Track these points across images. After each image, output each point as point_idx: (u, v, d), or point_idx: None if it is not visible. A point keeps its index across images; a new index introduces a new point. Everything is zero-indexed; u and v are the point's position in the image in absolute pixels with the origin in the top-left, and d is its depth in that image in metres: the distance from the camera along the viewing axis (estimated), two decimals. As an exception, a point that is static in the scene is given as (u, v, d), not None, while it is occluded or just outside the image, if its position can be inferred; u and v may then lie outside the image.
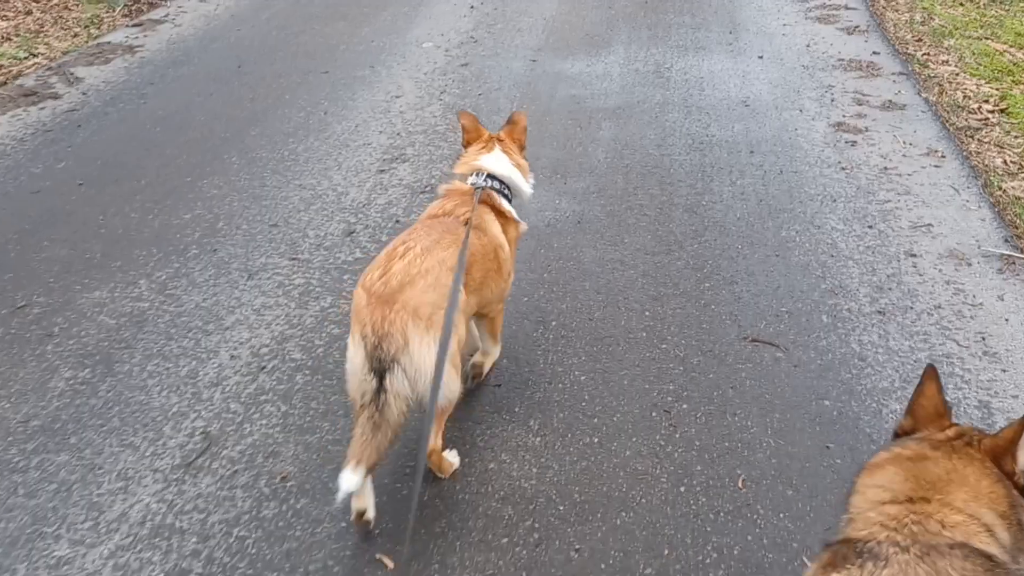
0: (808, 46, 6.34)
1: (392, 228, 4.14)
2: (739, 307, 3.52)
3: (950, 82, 5.85)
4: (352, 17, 7.43)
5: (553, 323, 3.46)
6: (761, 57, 6.16)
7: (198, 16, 7.49)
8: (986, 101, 5.56)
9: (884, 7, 7.35)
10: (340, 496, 2.23)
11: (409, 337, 2.23)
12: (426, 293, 2.30)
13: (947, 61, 6.30)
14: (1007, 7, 7.95)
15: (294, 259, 3.93)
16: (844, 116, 5.15)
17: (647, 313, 3.50)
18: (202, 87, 5.93)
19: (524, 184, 2.92)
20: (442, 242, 2.44)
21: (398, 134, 5.17)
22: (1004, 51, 6.79)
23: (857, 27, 6.68)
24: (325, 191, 4.54)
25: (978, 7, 7.81)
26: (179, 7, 7.75)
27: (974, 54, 6.50)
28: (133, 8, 7.95)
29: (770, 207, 4.22)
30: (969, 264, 3.72)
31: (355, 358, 2.28)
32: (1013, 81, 6.03)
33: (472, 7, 7.65)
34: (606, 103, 5.46)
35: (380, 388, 2.23)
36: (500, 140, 2.94)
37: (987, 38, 7.00)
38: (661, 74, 5.92)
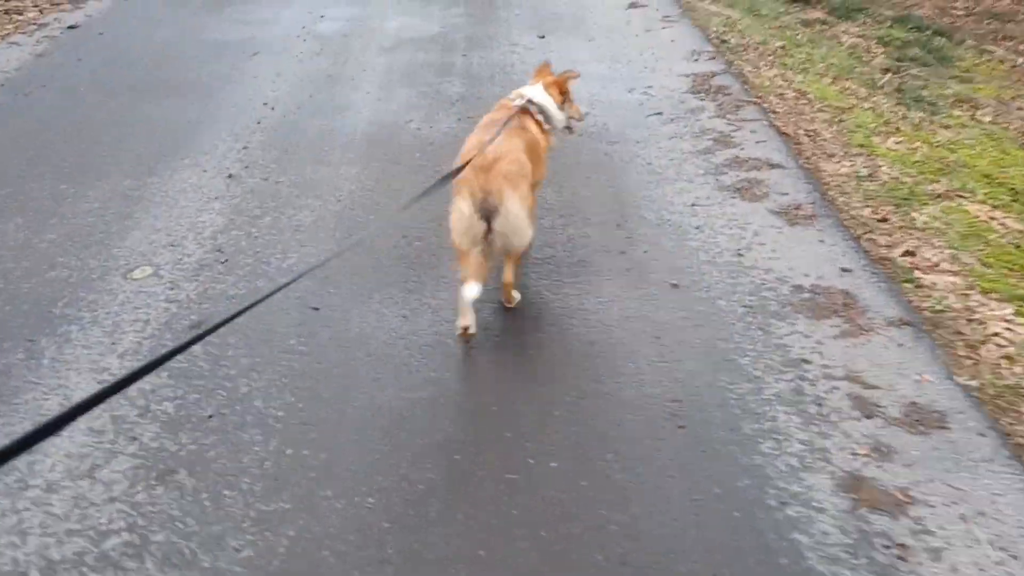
0: (740, 255, 4.00)
1: None
2: None
3: (969, 319, 3.73)
4: (36, 205, 4.65)
5: None
6: (676, 285, 3.76)
7: None
8: (1039, 362, 3.37)
9: (814, 154, 5.16)
10: (468, 300, 3.30)
11: (505, 193, 3.20)
12: (511, 165, 3.28)
13: (938, 264, 4.18)
14: (943, 119, 6.00)
15: None
16: (855, 457, 2.84)
17: None
18: None
19: (555, 111, 3.89)
20: (511, 134, 3.48)
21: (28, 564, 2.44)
22: (989, 218, 4.75)
23: (798, 208, 4.42)
24: None
25: (916, 128, 5.82)
26: None
27: (961, 236, 4.43)
28: None
29: None
30: None
31: (465, 209, 3.21)
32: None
33: (230, 176, 4.94)
34: (436, 433, 2.93)
35: (489, 228, 3.20)
36: (546, 82, 3.93)
37: (959, 195, 4.95)
38: (522, 348, 3.43)
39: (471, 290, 3.25)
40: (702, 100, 5.93)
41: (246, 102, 6.22)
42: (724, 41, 7.45)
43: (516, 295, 3.76)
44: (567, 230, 4.40)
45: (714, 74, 6.38)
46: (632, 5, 8.24)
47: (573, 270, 4.04)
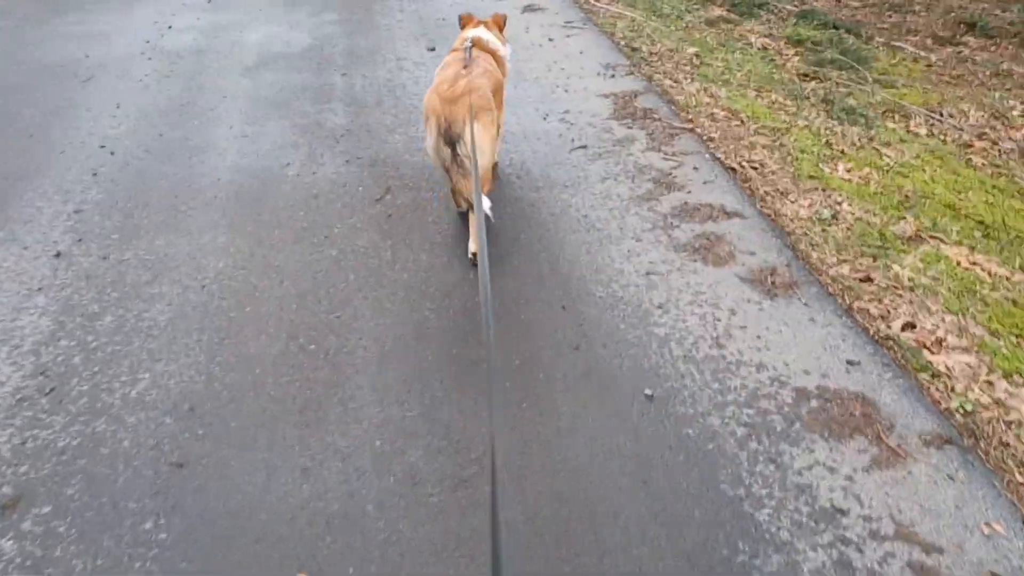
0: (720, 345, 3.23)
1: None
2: None
3: (1007, 420, 3.25)
4: None
5: None
6: (651, 396, 2.91)
7: None
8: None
9: (767, 193, 4.44)
10: (487, 212, 3.54)
11: (466, 122, 3.40)
12: (476, 99, 3.54)
13: (944, 338, 3.67)
14: (880, 133, 5.56)
15: None
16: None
17: None
18: None
19: (500, 46, 4.21)
20: (482, 72, 3.76)
21: None
22: (972, 264, 4.35)
23: (772, 272, 3.68)
24: None
25: (858, 149, 5.36)
26: None
27: (954, 294, 3.96)
28: None
29: None
30: None
31: (431, 139, 3.59)
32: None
33: (58, 255, 3.81)
34: None
35: (454, 152, 3.53)
36: (484, 23, 4.28)
37: (931, 235, 4.49)
38: (468, 514, 2.55)
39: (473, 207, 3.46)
40: (629, 128, 5.09)
41: (78, 145, 5.00)
42: (635, 49, 6.66)
43: (487, 202, 3.81)
44: (500, 314, 3.48)
45: (636, 93, 5.56)
46: (528, 8, 7.34)
47: (519, 380, 3.12)
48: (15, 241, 4.06)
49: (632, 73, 5.95)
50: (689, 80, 6.21)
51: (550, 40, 6.60)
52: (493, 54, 4.11)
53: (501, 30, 4.35)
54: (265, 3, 7.60)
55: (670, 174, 4.58)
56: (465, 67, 3.75)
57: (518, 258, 3.89)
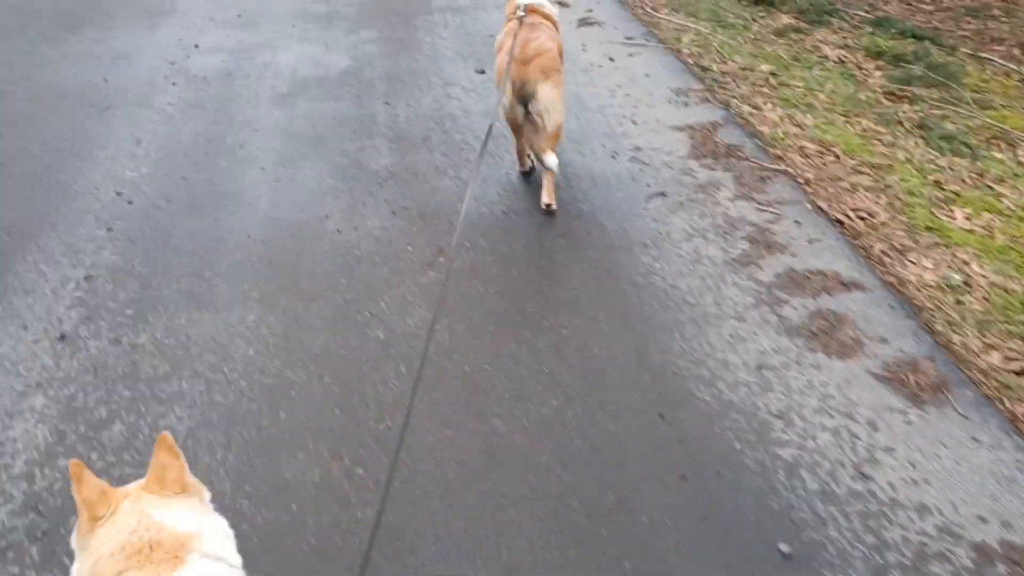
0: (864, 476, 2.70)
1: None
2: None
3: None
4: None
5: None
6: (788, 555, 2.30)
7: None
8: None
9: (884, 253, 3.83)
10: (554, 167, 3.91)
11: (539, 82, 3.74)
12: (548, 61, 3.80)
13: None
14: (988, 166, 4.98)
15: None
16: None
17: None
18: None
19: (551, 7, 4.25)
20: (548, 37, 3.95)
21: None
22: None
23: (914, 368, 3.09)
24: None
25: (972, 188, 4.75)
26: None
27: None
28: None
29: None
30: None
31: (506, 98, 3.83)
32: None
33: (62, 337, 3.30)
34: None
35: (527, 111, 3.80)
36: None
37: None
38: None
39: (551, 160, 3.89)
40: (713, 169, 4.41)
41: (91, 191, 4.42)
42: (705, 68, 5.97)
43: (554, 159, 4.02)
44: (583, 427, 2.83)
45: (715, 125, 4.87)
46: (584, 22, 6.65)
47: (617, 526, 2.48)
48: (14, 318, 3.49)
49: (707, 99, 5.26)
50: (770, 105, 5.52)
51: (611, 60, 5.92)
52: (548, 18, 4.19)
53: None
54: (299, 19, 6.98)
55: (767, 230, 3.90)
56: (526, 33, 3.87)
57: (598, 344, 3.24)
